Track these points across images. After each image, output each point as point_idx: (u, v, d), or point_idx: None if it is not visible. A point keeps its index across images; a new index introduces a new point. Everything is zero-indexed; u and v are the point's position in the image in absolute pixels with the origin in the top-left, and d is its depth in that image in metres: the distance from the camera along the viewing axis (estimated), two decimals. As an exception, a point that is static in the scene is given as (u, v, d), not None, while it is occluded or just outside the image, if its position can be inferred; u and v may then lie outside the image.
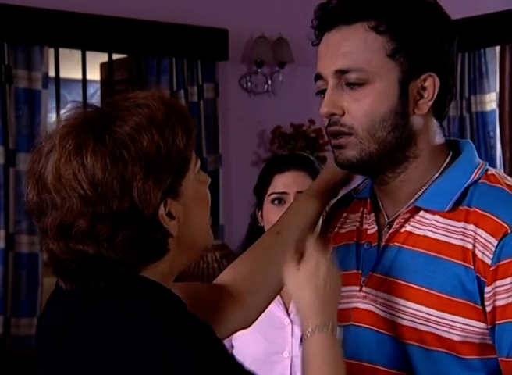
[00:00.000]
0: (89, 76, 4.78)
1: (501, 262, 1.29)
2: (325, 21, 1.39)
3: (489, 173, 1.39)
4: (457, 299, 1.32)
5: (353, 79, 1.35)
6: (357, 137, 1.36)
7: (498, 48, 4.71)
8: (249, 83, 5.17)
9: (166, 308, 1.17)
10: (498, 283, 1.29)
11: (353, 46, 1.35)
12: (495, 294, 1.29)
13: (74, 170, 1.16)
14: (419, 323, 1.34)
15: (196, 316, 1.19)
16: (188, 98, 4.84)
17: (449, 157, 1.43)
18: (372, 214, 1.46)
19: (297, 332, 2.33)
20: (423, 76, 1.36)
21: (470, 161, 1.41)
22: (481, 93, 4.75)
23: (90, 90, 4.92)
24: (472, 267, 1.31)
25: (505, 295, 1.29)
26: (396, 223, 1.41)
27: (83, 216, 1.16)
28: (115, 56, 4.85)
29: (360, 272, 1.45)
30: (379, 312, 1.39)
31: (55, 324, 1.25)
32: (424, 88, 1.37)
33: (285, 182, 2.26)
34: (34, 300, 4.30)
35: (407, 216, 1.40)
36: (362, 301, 1.42)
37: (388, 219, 1.44)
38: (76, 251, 1.17)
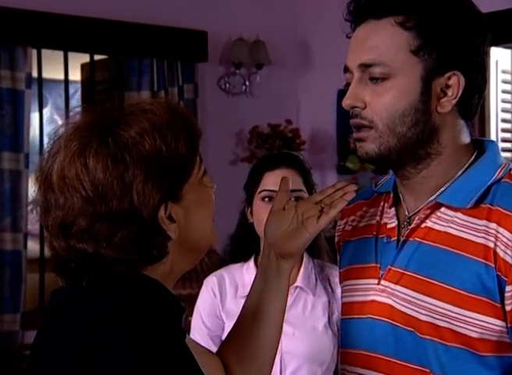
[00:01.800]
0: (69, 77, 4.80)
1: None
2: (356, 15, 1.39)
3: None
4: (476, 296, 1.30)
5: (377, 73, 1.34)
6: (376, 130, 1.36)
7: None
8: (227, 84, 5.21)
9: (153, 312, 1.18)
10: None
11: (379, 41, 1.35)
12: None
13: (77, 170, 1.18)
14: (437, 319, 1.33)
15: (180, 321, 1.23)
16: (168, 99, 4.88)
17: (473, 156, 1.41)
18: (393, 208, 1.45)
19: (286, 329, 2.39)
20: (447, 75, 1.34)
21: (493, 160, 1.40)
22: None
23: (70, 90, 4.95)
24: (493, 265, 1.29)
25: None
26: (417, 218, 1.40)
27: (84, 215, 1.18)
28: (96, 57, 4.87)
29: (378, 265, 1.43)
30: (397, 306, 1.38)
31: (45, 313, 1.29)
32: (448, 86, 1.35)
33: (275, 180, 2.24)
34: (18, 296, 4.23)
35: (428, 211, 1.39)
36: (380, 294, 1.41)
37: (408, 214, 1.43)
38: (76, 249, 1.19)
